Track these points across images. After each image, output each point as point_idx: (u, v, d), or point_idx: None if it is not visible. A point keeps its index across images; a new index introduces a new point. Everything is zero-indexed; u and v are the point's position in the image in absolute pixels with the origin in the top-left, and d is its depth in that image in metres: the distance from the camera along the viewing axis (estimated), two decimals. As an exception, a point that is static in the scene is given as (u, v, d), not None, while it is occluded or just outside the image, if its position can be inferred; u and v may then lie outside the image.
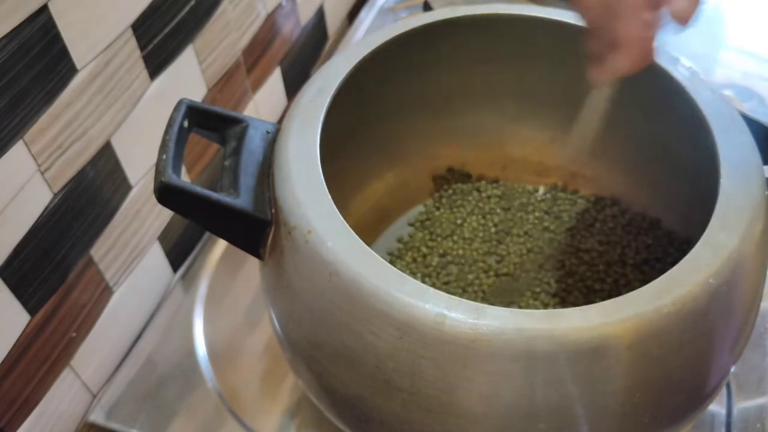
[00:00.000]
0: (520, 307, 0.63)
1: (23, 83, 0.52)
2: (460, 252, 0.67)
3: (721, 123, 0.51)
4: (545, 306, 0.63)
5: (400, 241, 0.70)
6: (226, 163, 0.51)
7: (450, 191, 0.72)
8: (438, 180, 0.73)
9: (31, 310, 0.57)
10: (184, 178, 0.50)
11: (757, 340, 0.63)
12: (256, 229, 0.49)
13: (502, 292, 0.65)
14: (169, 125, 0.49)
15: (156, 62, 0.65)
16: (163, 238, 0.72)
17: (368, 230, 0.70)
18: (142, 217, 0.68)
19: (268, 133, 0.53)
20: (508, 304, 0.64)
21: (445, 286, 0.65)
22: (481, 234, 0.69)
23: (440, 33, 0.62)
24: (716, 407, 0.60)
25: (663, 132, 0.60)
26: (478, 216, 0.70)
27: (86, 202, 0.60)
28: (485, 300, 0.65)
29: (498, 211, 0.70)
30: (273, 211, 0.49)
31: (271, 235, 0.49)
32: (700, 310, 0.43)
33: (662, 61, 0.56)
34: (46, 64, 0.53)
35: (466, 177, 0.73)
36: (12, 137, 0.52)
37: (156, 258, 0.72)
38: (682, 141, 0.57)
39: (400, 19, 0.69)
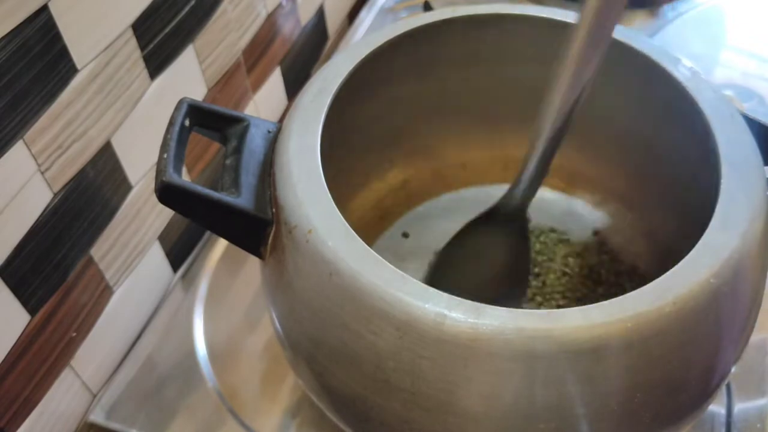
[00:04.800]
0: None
1: (23, 83, 0.52)
2: None
3: (722, 123, 0.51)
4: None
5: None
6: (227, 162, 0.51)
7: None
8: None
9: (31, 310, 0.57)
10: (185, 178, 0.50)
11: (758, 341, 0.63)
12: (256, 229, 0.49)
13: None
14: (171, 124, 0.49)
15: (156, 62, 0.65)
16: (163, 238, 0.72)
17: (368, 230, 0.70)
18: (142, 217, 0.68)
19: (269, 132, 0.53)
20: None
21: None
22: None
23: (440, 33, 0.62)
24: (716, 407, 0.60)
25: (664, 131, 0.60)
26: None
27: (86, 202, 0.60)
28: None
29: None
30: (274, 210, 0.49)
31: (271, 235, 0.49)
32: (701, 309, 0.43)
33: (663, 61, 0.56)
34: (46, 64, 0.53)
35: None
36: (12, 137, 0.52)
37: (156, 258, 0.72)
38: (682, 141, 0.57)
39: (400, 19, 0.69)
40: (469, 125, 0.71)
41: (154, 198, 0.48)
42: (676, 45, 0.88)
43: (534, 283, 0.65)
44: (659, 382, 0.44)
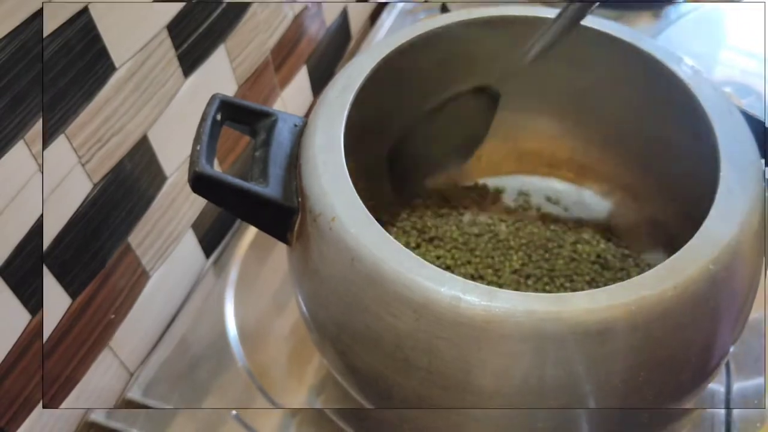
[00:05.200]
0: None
1: (65, 80, 0.53)
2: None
3: (721, 118, 0.52)
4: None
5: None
6: (256, 154, 0.52)
7: None
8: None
9: (73, 294, 0.58)
10: (217, 169, 0.52)
11: (755, 323, 0.62)
12: (283, 217, 0.50)
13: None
14: (203, 119, 0.50)
15: (189, 61, 0.67)
16: (196, 226, 0.73)
17: (389, 218, 0.71)
18: (176, 206, 0.69)
19: (295, 126, 0.54)
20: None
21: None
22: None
23: (457, 33, 0.63)
24: (716, 385, 0.61)
25: (667, 127, 0.61)
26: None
27: (124, 192, 0.62)
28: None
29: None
30: (300, 199, 0.50)
31: (297, 222, 0.50)
32: (701, 294, 0.44)
33: (667, 60, 0.57)
34: (86, 63, 0.55)
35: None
36: (54, 131, 0.53)
37: (190, 245, 0.73)
38: (684, 135, 0.58)
39: (419, 21, 0.70)
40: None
41: (188, 188, 0.50)
42: (678, 45, 0.89)
43: (545, 266, 0.66)
44: (661, 362, 0.45)
